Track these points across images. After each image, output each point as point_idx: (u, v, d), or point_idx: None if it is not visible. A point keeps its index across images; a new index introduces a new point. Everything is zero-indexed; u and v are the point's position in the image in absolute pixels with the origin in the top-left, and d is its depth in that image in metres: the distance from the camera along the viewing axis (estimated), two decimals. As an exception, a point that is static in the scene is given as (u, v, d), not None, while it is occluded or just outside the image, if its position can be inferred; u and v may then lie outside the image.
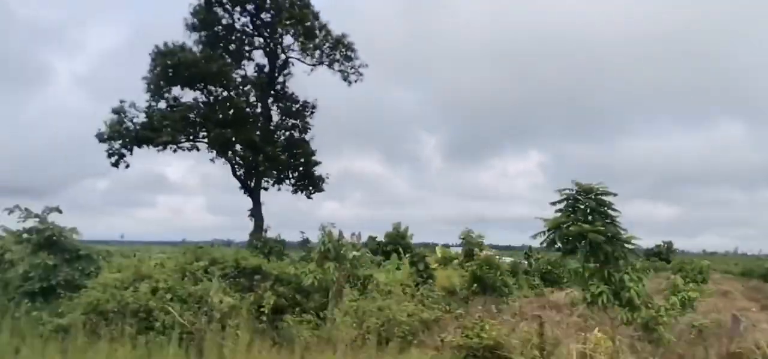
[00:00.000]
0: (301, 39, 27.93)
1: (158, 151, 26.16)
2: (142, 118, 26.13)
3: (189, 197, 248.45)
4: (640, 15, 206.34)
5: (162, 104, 26.48)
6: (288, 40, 28.72)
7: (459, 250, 26.68)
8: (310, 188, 28.93)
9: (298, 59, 29.21)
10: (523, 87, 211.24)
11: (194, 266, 12.51)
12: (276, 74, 29.07)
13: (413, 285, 16.45)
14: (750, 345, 10.83)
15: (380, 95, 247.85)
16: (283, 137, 29.63)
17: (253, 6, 27.29)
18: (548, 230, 9.39)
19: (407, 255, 22.85)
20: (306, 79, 32.73)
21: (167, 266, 13.32)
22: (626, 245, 9.15)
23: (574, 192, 9.30)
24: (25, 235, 12.73)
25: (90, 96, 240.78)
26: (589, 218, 9.06)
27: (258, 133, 27.26)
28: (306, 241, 22.89)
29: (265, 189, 28.75)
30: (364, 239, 18.69)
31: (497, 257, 22.91)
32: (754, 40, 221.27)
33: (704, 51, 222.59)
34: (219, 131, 25.39)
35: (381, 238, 26.35)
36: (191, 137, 27.28)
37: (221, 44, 27.78)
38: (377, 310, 11.79)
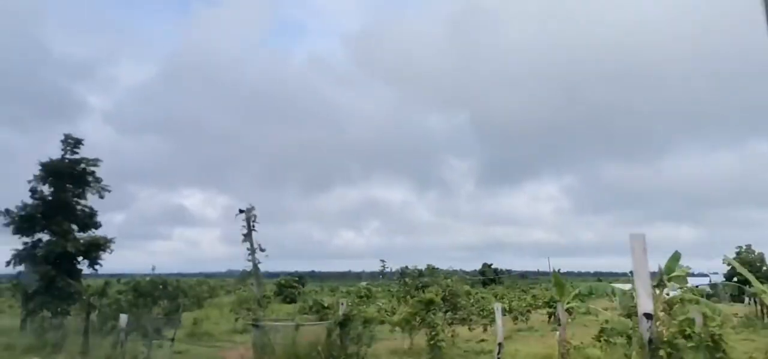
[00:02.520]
0: None
1: None
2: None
3: (202, 228, 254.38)
4: (683, 33, 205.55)
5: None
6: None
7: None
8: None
9: None
10: (561, 109, 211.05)
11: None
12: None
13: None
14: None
15: (415, 119, 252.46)
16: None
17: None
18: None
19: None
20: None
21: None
22: None
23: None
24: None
25: (115, 131, 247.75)
26: None
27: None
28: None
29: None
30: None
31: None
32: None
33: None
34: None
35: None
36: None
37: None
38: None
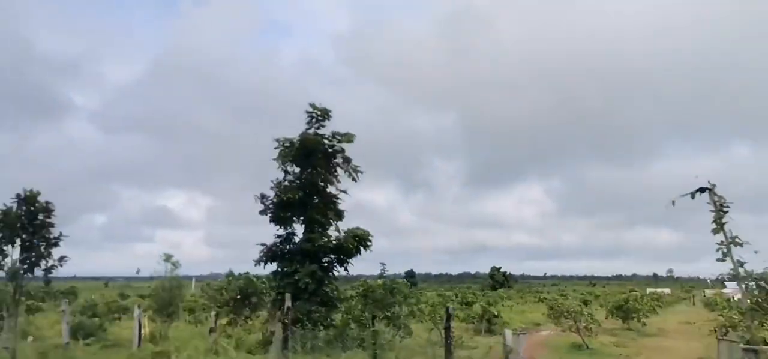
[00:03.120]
0: None
1: None
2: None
3: (186, 230, 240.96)
4: (670, 38, 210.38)
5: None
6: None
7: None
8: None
9: None
10: (550, 111, 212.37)
11: None
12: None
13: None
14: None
15: (402, 120, 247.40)
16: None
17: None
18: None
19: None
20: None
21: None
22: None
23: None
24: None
25: (101, 130, 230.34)
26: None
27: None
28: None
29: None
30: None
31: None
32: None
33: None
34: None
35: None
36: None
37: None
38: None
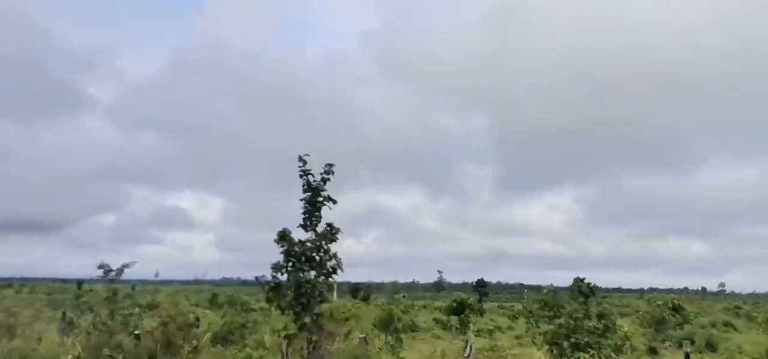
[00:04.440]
0: None
1: None
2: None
3: (199, 233, 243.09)
4: (718, 42, 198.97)
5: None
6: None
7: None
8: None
9: None
10: (588, 114, 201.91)
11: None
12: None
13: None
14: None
15: (432, 122, 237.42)
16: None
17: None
18: None
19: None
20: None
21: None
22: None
23: None
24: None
25: (116, 126, 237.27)
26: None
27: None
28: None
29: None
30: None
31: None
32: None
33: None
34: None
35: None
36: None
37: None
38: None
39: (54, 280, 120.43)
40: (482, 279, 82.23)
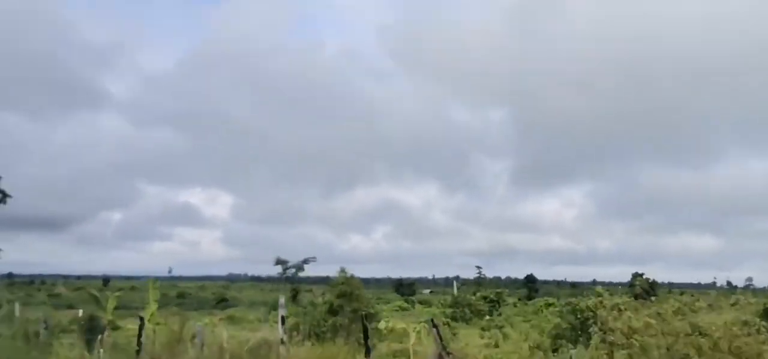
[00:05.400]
0: None
1: None
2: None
3: (206, 230, 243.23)
4: (749, 35, 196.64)
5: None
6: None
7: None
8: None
9: None
10: (611, 107, 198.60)
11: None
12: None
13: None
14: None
15: (450, 116, 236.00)
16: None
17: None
18: None
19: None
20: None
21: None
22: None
23: None
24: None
25: (130, 122, 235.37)
26: None
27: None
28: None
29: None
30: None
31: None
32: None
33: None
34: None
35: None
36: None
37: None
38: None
39: (66, 277, 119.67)
40: (532, 274, 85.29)
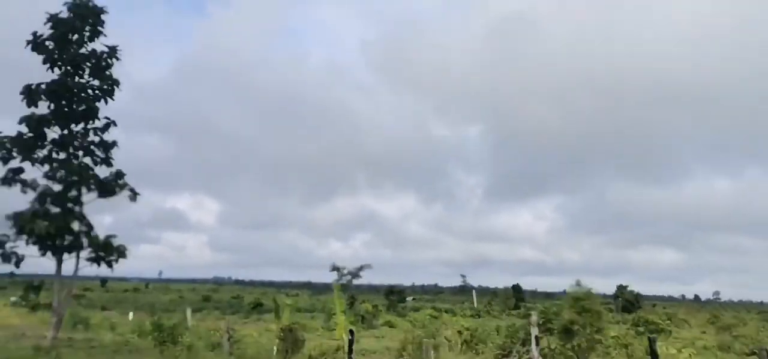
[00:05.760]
0: None
1: None
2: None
3: (193, 233, 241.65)
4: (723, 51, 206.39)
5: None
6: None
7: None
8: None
9: None
10: (585, 124, 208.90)
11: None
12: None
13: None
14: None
15: (429, 131, 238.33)
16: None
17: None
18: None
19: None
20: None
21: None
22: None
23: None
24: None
25: (119, 130, 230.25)
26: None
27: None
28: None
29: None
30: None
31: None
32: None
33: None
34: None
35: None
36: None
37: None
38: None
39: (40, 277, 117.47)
40: (518, 283, 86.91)
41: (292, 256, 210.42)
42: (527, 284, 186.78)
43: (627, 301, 77.24)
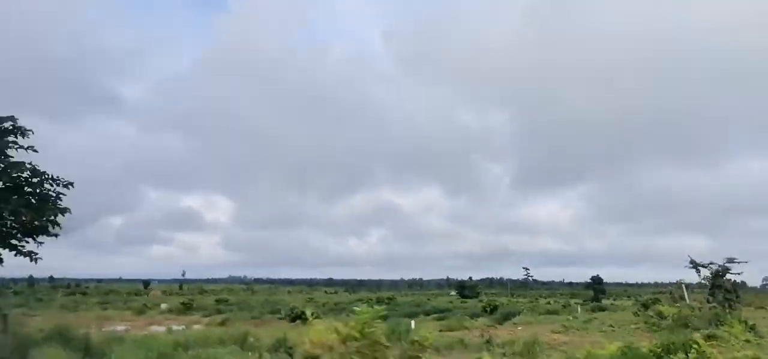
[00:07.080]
0: None
1: None
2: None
3: (209, 233, 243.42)
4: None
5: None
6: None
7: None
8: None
9: None
10: (623, 108, 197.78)
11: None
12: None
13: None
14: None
15: (456, 121, 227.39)
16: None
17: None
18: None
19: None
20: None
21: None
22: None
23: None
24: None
25: (139, 127, 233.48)
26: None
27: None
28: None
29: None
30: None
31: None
32: None
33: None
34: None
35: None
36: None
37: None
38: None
39: (77, 282, 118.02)
40: (598, 275, 77.77)
41: (306, 254, 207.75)
42: (550, 275, 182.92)
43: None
